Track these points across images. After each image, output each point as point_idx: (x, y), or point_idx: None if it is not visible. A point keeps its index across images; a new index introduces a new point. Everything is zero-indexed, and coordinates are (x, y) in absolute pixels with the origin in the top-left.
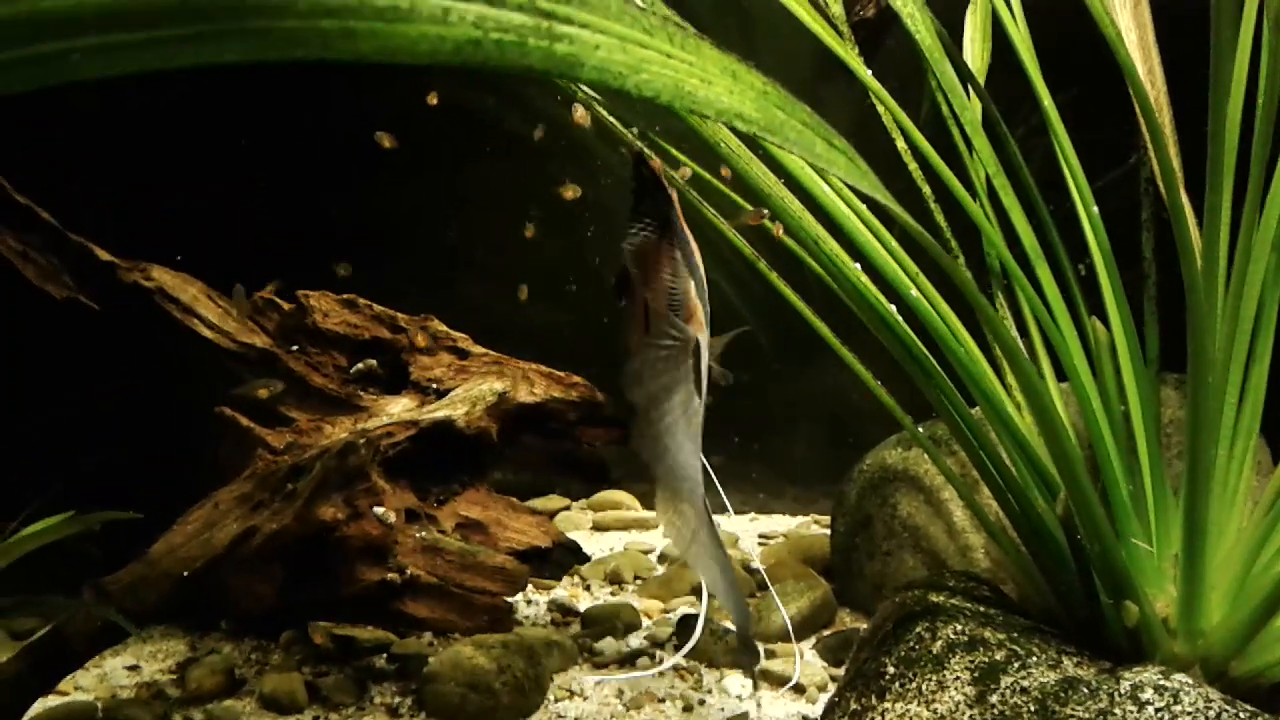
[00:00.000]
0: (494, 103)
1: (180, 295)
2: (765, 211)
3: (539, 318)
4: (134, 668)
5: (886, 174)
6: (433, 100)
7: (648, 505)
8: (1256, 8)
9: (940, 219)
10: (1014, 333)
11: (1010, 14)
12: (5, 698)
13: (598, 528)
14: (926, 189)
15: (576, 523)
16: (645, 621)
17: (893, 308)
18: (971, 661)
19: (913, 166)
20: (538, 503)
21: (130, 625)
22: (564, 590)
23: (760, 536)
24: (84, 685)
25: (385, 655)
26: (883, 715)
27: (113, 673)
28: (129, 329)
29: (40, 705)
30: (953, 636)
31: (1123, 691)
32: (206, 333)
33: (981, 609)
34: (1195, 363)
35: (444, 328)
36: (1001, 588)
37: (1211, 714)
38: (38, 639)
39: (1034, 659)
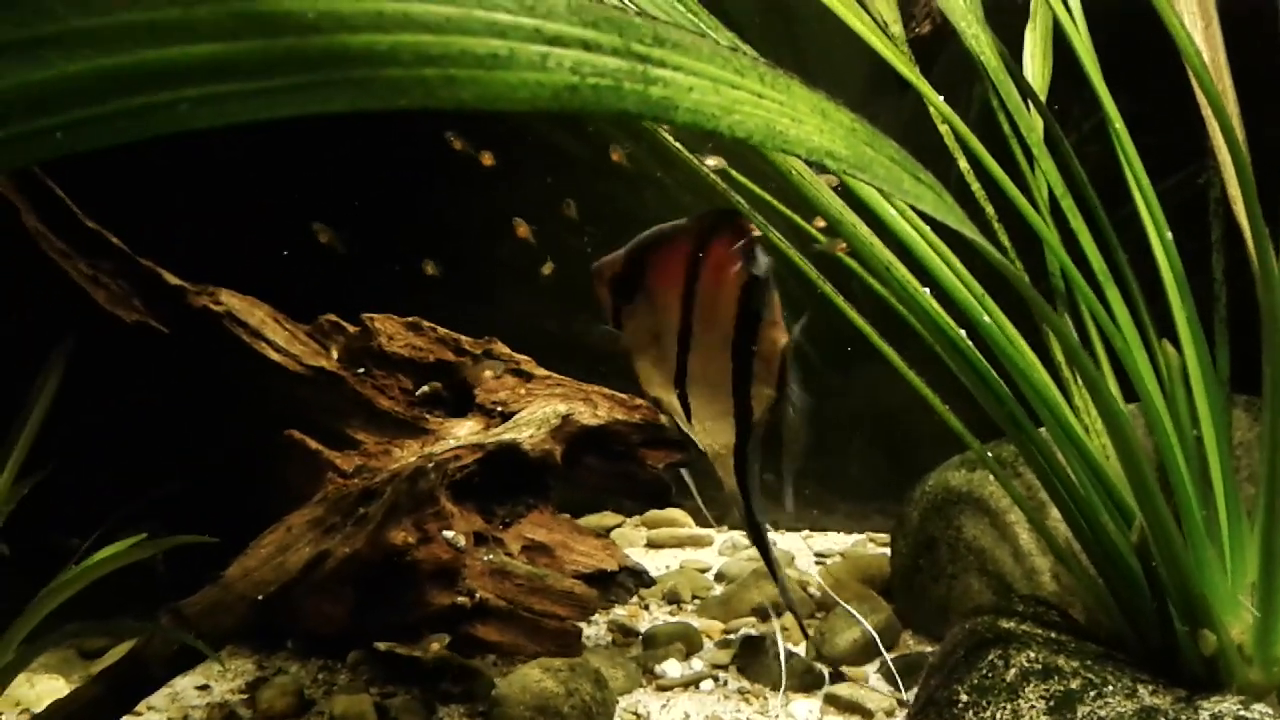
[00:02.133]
0: (546, 120)
1: (248, 319)
2: (844, 244)
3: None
4: (204, 688)
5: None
6: (488, 161)
7: (702, 523)
8: None
9: (1005, 239)
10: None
11: (1073, 23)
12: (86, 718)
13: (652, 545)
14: (989, 209)
15: (630, 540)
16: (707, 643)
17: (962, 332)
18: (1046, 690)
19: (976, 187)
20: (591, 519)
21: (208, 649)
22: (623, 610)
23: (816, 555)
24: (156, 705)
25: (451, 677)
26: None
27: (183, 692)
28: (198, 352)
29: None
30: (1026, 664)
31: None
32: (274, 355)
33: (1053, 635)
34: (1272, 385)
35: (507, 350)
36: (1070, 612)
37: None
38: (117, 662)
39: (1110, 687)
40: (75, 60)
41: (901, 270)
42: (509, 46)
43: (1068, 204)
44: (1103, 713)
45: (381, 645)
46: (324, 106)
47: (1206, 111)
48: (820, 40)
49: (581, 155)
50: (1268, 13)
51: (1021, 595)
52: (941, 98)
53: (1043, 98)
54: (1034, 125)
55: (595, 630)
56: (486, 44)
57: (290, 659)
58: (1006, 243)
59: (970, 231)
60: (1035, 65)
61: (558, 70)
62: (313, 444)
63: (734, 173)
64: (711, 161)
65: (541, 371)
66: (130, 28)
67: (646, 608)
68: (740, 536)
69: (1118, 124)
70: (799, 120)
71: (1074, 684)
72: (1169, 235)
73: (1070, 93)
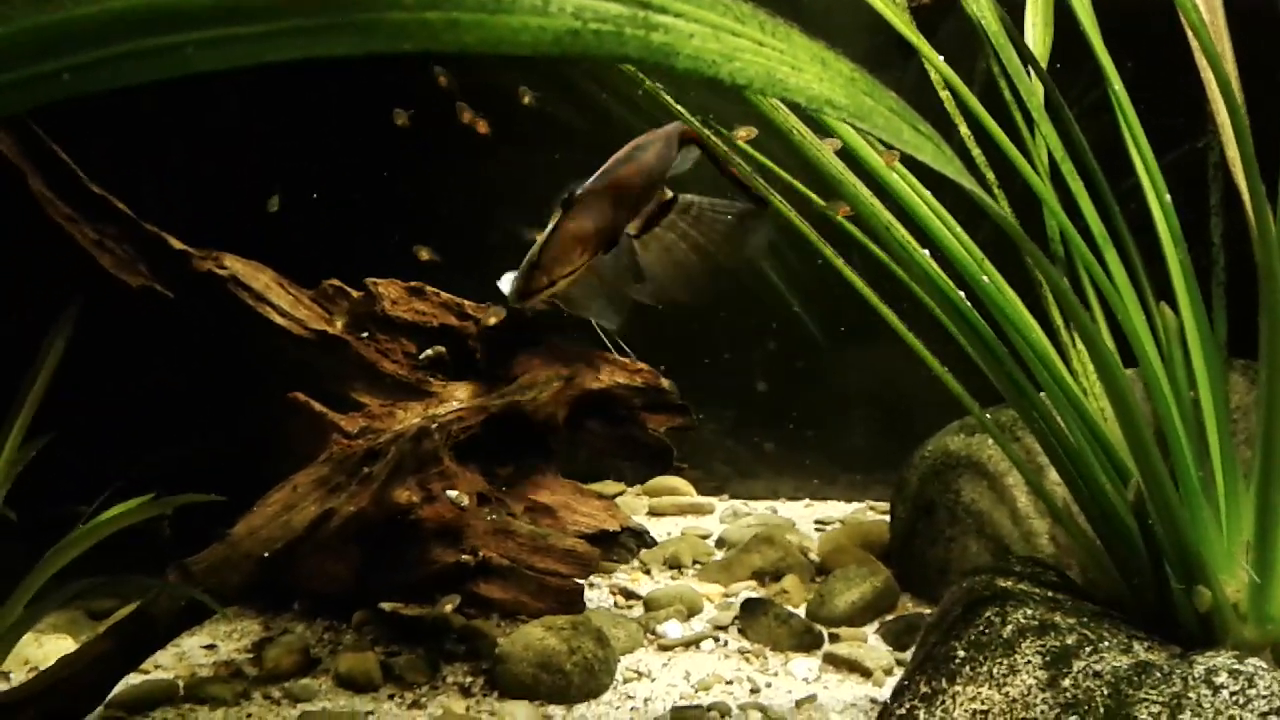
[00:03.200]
0: (545, 90)
1: (252, 283)
2: (846, 208)
3: None
4: (211, 647)
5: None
6: (483, 129)
7: (704, 491)
8: None
9: (1005, 205)
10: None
11: None
12: (93, 674)
13: (654, 513)
14: (990, 174)
15: (632, 508)
16: (707, 605)
17: (961, 293)
18: (1042, 646)
19: (976, 152)
20: (593, 488)
21: (215, 604)
22: (624, 574)
23: (816, 523)
24: (164, 664)
25: (455, 636)
26: (954, 698)
27: (191, 652)
28: (202, 316)
29: (124, 683)
30: (1023, 621)
31: (1196, 675)
32: (279, 319)
33: (1050, 594)
34: (1269, 349)
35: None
36: (1067, 573)
37: None
38: (124, 618)
39: (1105, 643)
40: (83, 3)
41: (901, 231)
42: None
43: (1067, 168)
44: (1098, 667)
45: (387, 606)
46: (328, 50)
47: (1206, 74)
48: (821, 13)
49: (582, 128)
50: None
51: (1019, 556)
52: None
53: (1044, 63)
54: (1035, 91)
55: (597, 593)
56: None
57: (296, 619)
58: (1006, 208)
59: (969, 182)
60: (1037, 32)
61: (560, 15)
62: (317, 406)
63: (739, 141)
64: (743, 132)
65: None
66: None
67: (648, 572)
68: (740, 504)
69: (1117, 85)
70: (799, 68)
71: (1070, 640)
72: (1167, 198)
73: (1077, 61)
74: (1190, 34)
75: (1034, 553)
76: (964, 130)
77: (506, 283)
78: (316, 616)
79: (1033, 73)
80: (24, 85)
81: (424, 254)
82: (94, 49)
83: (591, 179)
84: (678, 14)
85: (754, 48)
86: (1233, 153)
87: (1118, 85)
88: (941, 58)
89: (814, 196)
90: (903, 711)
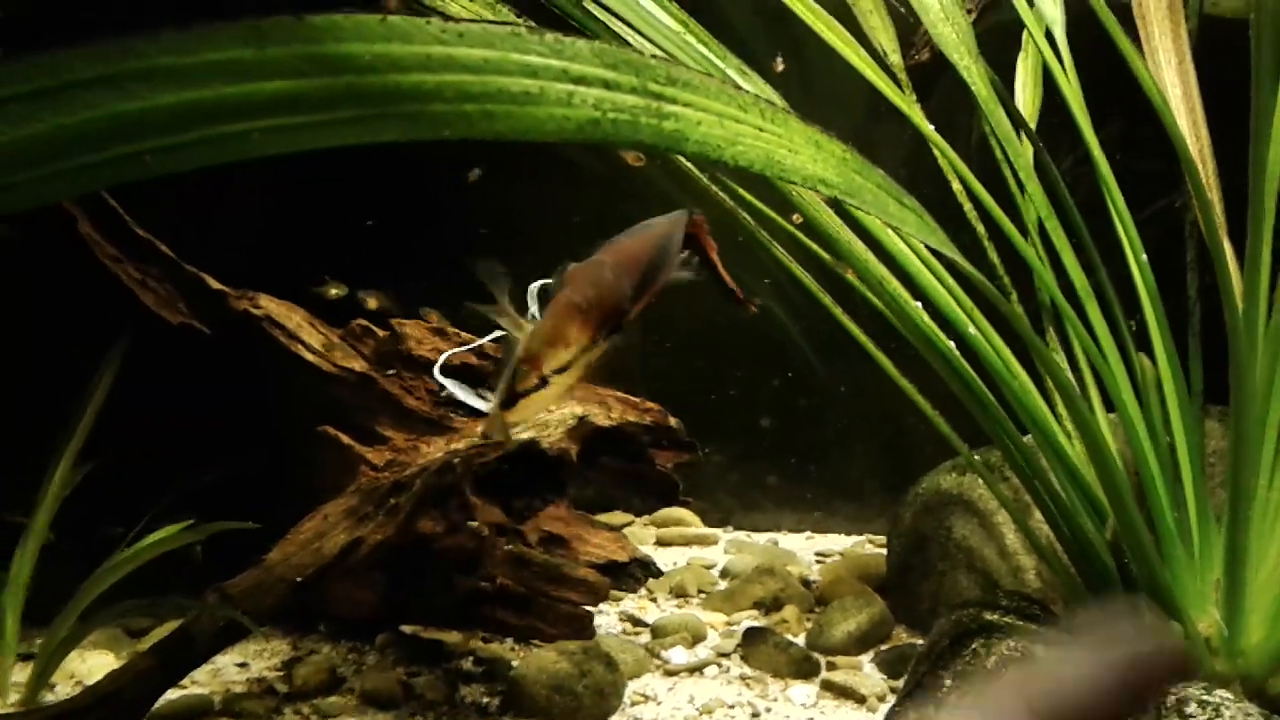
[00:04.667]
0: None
1: (285, 322)
2: (799, 217)
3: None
4: (244, 665)
5: (941, 211)
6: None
7: (709, 522)
8: None
9: (994, 256)
10: (1065, 367)
11: (1060, 65)
12: (138, 689)
13: (661, 543)
14: (981, 228)
15: (640, 538)
16: (711, 633)
17: (951, 344)
18: None
19: (968, 207)
20: (602, 518)
21: (251, 624)
22: (632, 602)
23: (817, 554)
24: (200, 680)
25: (472, 659)
26: None
27: (225, 669)
28: (238, 352)
29: (163, 699)
30: (1005, 652)
31: (1168, 705)
32: (310, 357)
33: (1033, 627)
34: (1237, 398)
35: None
36: (1052, 608)
37: None
38: (166, 637)
39: None
40: (160, 93)
41: (894, 285)
42: (539, 85)
43: (1052, 224)
44: None
45: (408, 629)
46: (377, 137)
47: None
48: (827, 61)
49: (598, 172)
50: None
51: (1006, 590)
52: (942, 121)
53: (1033, 125)
54: (1023, 152)
55: (607, 620)
56: (520, 83)
57: (323, 640)
58: (996, 260)
59: (950, 252)
60: (1026, 94)
61: (582, 106)
62: (345, 439)
63: (743, 192)
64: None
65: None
66: (210, 65)
67: (655, 600)
68: (744, 535)
69: (1095, 151)
70: (795, 151)
71: None
72: (1144, 257)
73: (1068, 121)
74: (1163, 120)
75: (1021, 588)
76: (956, 186)
77: (533, 297)
78: (342, 638)
79: (1023, 134)
80: (107, 165)
81: (371, 302)
82: (170, 135)
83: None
84: (686, 104)
85: (754, 133)
86: (1203, 219)
87: (1096, 150)
88: (942, 113)
89: (822, 253)
90: None
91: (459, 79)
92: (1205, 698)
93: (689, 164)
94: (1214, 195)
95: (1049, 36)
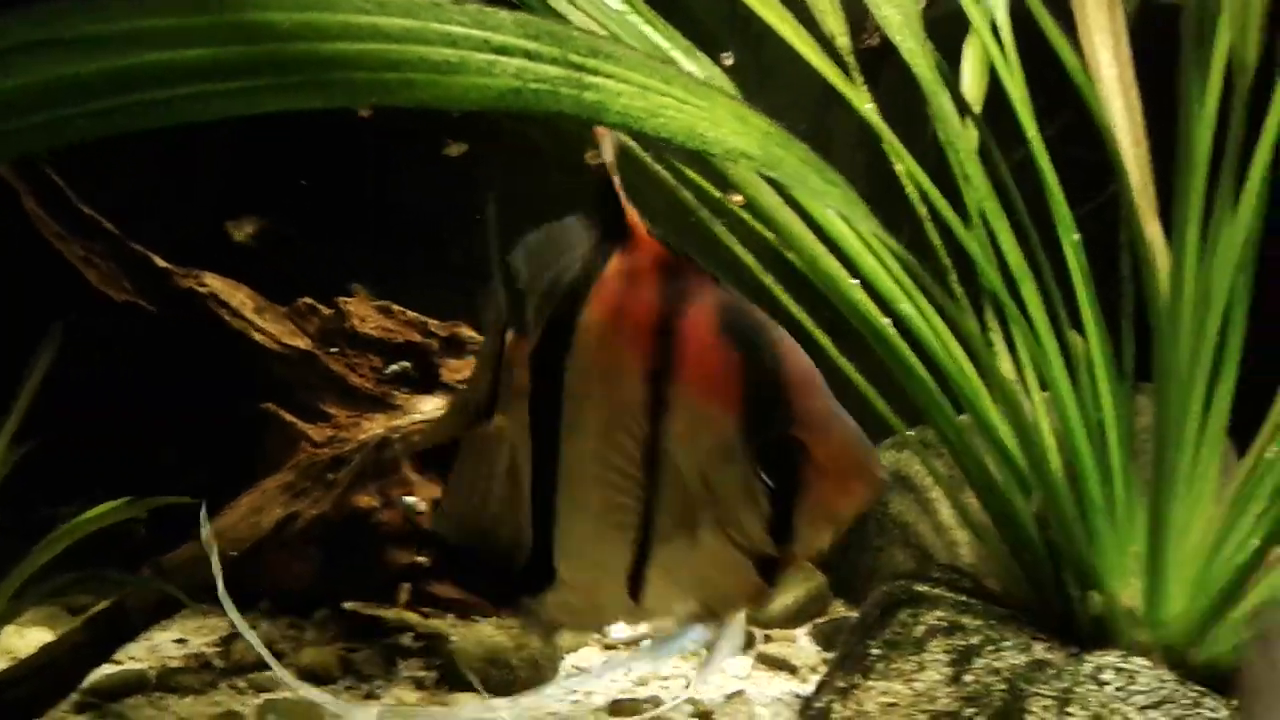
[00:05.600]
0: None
1: (230, 299)
2: (740, 198)
3: None
4: (181, 641)
5: (891, 195)
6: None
7: None
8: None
9: (936, 239)
10: (1000, 347)
11: (1003, 55)
12: (69, 662)
13: None
14: (923, 210)
15: None
16: None
17: (887, 321)
18: (950, 645)
19: (910, 189)
20: None
21: (186, 599)
22: None
23: None
24: (137, 656)
25: (412, 635)
26: (867, 693)
27: (162, 645)
28: (183, 330)
29: (100, 673)
30: (933, 622)
31: (1085, 672)
32: (255, 335)
33: (962, 599)
34: (1160, 378)
35: (471, 332)
36: (985, 582)
37: (1164, 693)
38: (100, 611)
39: (1007, 643)
40: (88, 60)
41: (830, 262)
42: (460, 55)
43: (992, 208)
44: (998, 664)
45: (349, 605)
46: (299, 104)
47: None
48: (783, 41)
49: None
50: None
51: (939, 564)
52: (902, 107)
53: (978, 108)
54: (967, 137)
55: None
56: (440, 52)
57: (261, 618)
58: (939, 243)
59: (873, 226)
60: (973, 79)
61: (502, 76)
62: (288, 416)
63: (691, 172)
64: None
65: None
66: (134, 33)
67: None
68: None
69: (1031, 134)
70: (718, 124)
71: (974, 640)
72: (1076, 237)
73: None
74: (1089, 106)
75: (956, 562)
76: (899, 168)
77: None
78: (281, 615)
79: (968, 118)
80: (29, 131)
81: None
82: (94, 101)
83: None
84: (609, 75)
85: (677, 105)
86: (1124, 200)
87: (1032, 133)
88: (896, 94)
89: (762, 229)
90: (821, 705)
91: (381, 48)
92: (1121, 664)
93: (632, 141)
94: (1144, 177)
95: (995, 24)
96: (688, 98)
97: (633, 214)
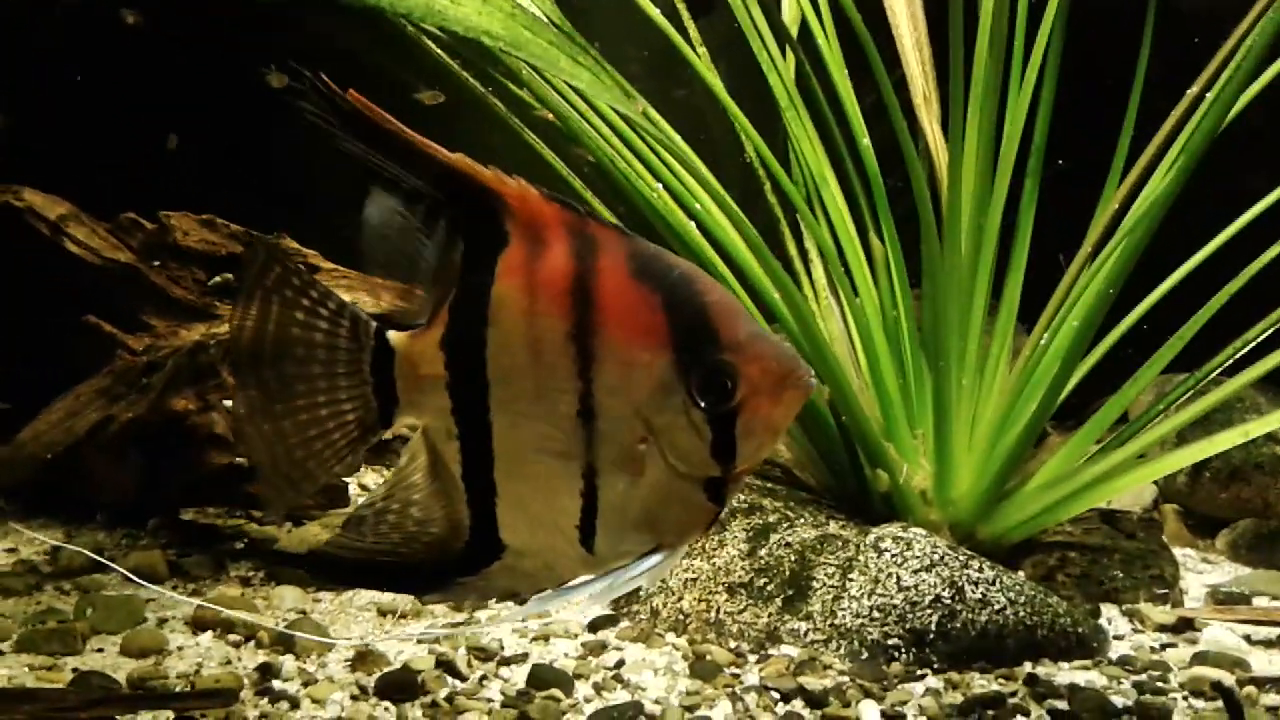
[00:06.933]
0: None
1: (48, 214)
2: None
3: None
4: (11, 550)
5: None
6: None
7: None
8: None
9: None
10: (797, 254)
11: (819, 21)
12: None
13: None
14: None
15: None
16: None
17: (692, 224)
18: (748, 524)
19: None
20: None
21: None
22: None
23: None
24: None
25: (246, 541)
26: (671, 572)
27: None
28: (2, 244)
29: None
30: (735, 504)
31: (868, 543)
32: (74, 249)
33: (768, 485)
34: (941, 272)
35: (295, 244)
36: (800, 474)
37: (936, 557)
38: None
39: (802, 521)
40: None
41: (633, 163)
42: None
43: (809, 132)
44: (790, 539)
45: (186, 515)
46: None
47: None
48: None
49: None
50: None
51: None
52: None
53: (794, 30)
54: (786, 69)
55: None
56: None
57: (98, 529)
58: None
59: (626, 108)
60: (791, 11)
61: None
62: (107, 328)
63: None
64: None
65: (329, 265)
66: None
67: None
68: None
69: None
70: (459, 3)
71: (771, 518)
72: (865, 140)
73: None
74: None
75: (774, 458)
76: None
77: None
78: (116, 526)
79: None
80: None
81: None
82: None
83: None
84: None
85: None
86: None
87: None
88: None
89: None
90: None
91: None
92: (899, 534)
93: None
94: (924, 75)
95: None
96: None
97: (513, 183)
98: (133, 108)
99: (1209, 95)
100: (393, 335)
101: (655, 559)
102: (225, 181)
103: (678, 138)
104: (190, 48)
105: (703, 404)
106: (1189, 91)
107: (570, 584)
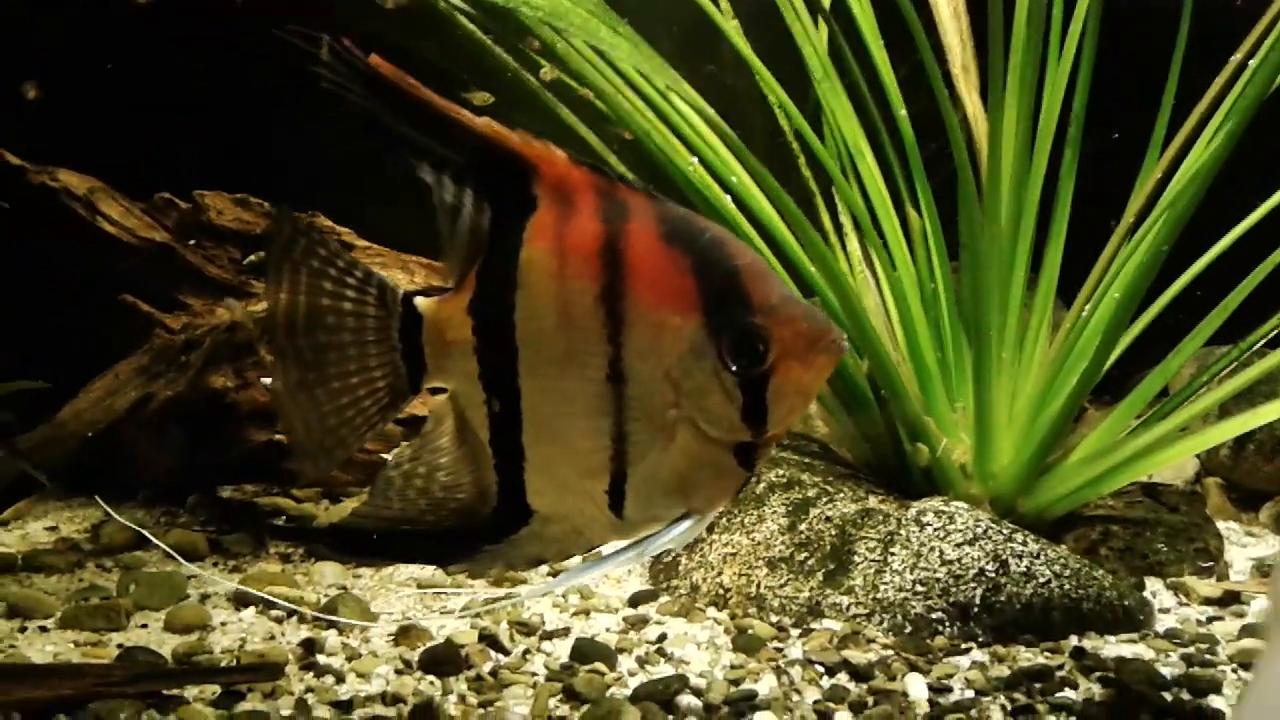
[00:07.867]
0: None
1: (83, 194)
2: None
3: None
4: (53, 528)
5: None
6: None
7: None
8: None
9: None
10: (831, 229)
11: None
12: None
13: None
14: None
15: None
16: None
17: (728, 198)
18: (787, 499)
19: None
20: None
21: (42, 477)
22: None
23: None
24: (6, 543)
25: (284, 518)
26: (710, 545)
27: (34, 533)
28: (38, 226)
29: None
30: (774, 479)
31: (909, 517)
32: (109, 228)
33: (806, 460)
34: (981, 244)
35: (329, 223)
36: (837, 450)
37: (980, 530)
38: None
39: (841, 496)
40: None
41: (671, 139)
42: None
43: (843, 104)
44: (830, 513)
45: (225, 493)
46: None
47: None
48: None
49: None
50: None
51: (791, 433)
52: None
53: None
54: (819, 39)
55: None
56: None
57: (138, 507)
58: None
59: (674, 83)
60: None
61: None
62: (145, 307)
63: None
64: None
65: (362, 242)
66: None
67: None
68: None
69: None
70: None
71: (811, 493)
72: (903, 111)
73: None
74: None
75: (810, 433)
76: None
77: None
78: (157, 504)
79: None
80: None
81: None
82: None
83: None
84: None
85: None
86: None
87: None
88: None
89: (601, 104)
90: (669, 560)
91: None
92: (941, 508)
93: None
94: (963, 45)
95: None
96: None
97: (540, 146)
98: (158, 92)
99: (1252, 63)
100: (420, 301)
101: (685, 524)
102: (251, 167)
103: (711, 110)
104: (218, 31)
105: (734, 367)
106: (1232, 58)
107: (601, 553)
